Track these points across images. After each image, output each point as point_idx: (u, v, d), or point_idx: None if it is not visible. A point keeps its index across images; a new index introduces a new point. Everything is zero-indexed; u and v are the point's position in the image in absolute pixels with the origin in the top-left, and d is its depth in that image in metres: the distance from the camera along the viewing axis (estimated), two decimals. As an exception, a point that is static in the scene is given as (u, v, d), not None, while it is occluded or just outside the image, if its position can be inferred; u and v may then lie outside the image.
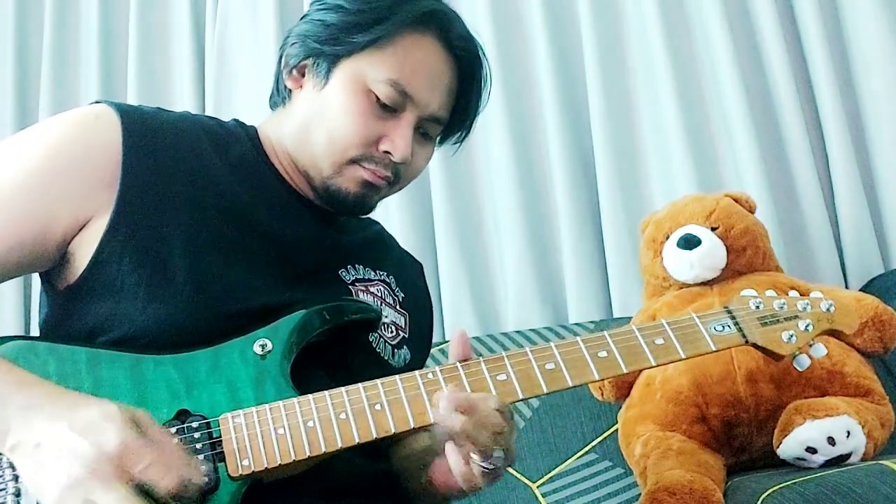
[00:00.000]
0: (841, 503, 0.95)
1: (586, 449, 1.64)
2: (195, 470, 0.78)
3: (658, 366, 0.95)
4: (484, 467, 0.85)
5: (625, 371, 0.93)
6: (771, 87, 1.98)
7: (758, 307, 1.01)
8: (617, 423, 1.56)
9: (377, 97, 1.00)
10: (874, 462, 1.08)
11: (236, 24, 2.33)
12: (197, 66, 2.35)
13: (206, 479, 0.80)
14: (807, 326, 1.01)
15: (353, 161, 1.01)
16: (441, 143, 1.13)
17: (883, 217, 1.89)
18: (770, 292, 1.04)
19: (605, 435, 1.64)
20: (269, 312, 0.93)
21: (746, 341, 0.98)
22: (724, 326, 0.98)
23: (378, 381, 0.88)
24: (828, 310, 1.04)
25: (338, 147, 1.00)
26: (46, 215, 0.90)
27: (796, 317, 1.02)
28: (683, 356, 0.95)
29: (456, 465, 0.86)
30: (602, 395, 1.59)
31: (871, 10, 1.93)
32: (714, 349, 0.96)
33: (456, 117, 1.09)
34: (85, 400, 0.79)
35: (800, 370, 1.02)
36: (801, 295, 1.05)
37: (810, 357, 1.00)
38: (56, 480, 0.73)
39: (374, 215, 1.17)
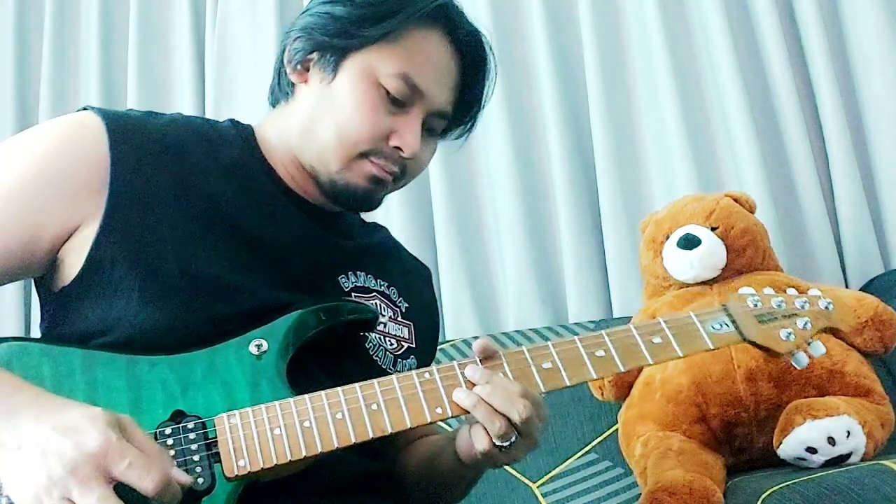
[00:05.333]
0: (841, 503, 0.95)
1: (586, 449, 1.63)
2: (179, 471, 0.77)
3: (656, 364, 0.96)
4: (499, 446, 0.88)
5: (622, 370, 0.93)
6: (771, 87, 1.98)
7: (756, 305, 1.01)
8: (617, 423, 1.56)
9: (387, 91, 0.99)
10: (874, 462, 1.07)
11: (236, 24, 2.32)
12: (197, 66, 2.34)
13: (200, 479, 0.79)
14: (805, 324, 1.00)
15: (362, 155, 1.01)
16: (442, 136, 1.12)
17: (883, 217, 1.89)
18: (768, 290, 1.04)
19: (605, 435, 1.64)
20: (264, 313, 0.92)
21: (744, 339, 0.98)
22: (721, 325, 0.98)
23: (375, 381, 0.88)
24: (826, 307, 1.03)
25: (348, 141, 1.00)
26: (34, 224, 0.90)
27: (794, 314, 1.01)
28: (681, 354, 0.95)
29: (480, 442, 0.88)
30: (602, 394, 1.59)
31: (871, 10, 1.92)
32: (711, 347, 0.97)
33: (459, 112, 1.09)
34: (71, 403, 0.78)
35: (798, 368, 1.01)
36: (799, 293, 1.05)
37: (809, 355, 1.00)
38: (35, 480, 0.72)
39: (374, 215, 1.16)
